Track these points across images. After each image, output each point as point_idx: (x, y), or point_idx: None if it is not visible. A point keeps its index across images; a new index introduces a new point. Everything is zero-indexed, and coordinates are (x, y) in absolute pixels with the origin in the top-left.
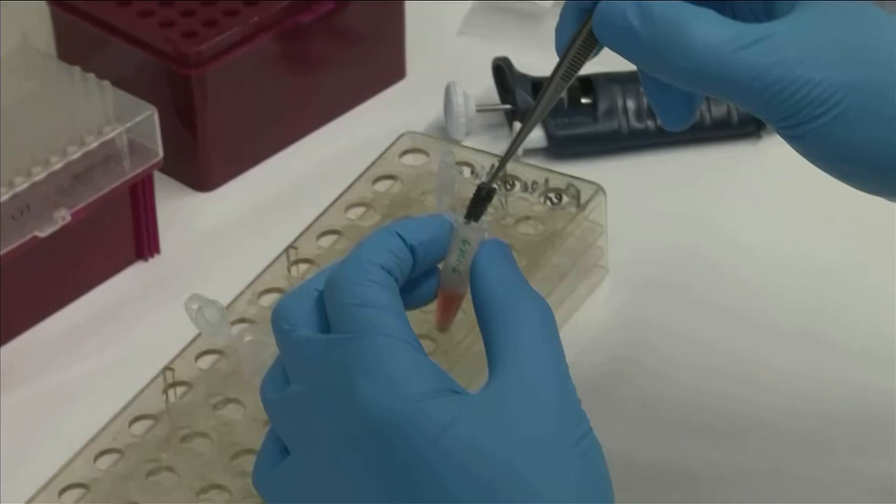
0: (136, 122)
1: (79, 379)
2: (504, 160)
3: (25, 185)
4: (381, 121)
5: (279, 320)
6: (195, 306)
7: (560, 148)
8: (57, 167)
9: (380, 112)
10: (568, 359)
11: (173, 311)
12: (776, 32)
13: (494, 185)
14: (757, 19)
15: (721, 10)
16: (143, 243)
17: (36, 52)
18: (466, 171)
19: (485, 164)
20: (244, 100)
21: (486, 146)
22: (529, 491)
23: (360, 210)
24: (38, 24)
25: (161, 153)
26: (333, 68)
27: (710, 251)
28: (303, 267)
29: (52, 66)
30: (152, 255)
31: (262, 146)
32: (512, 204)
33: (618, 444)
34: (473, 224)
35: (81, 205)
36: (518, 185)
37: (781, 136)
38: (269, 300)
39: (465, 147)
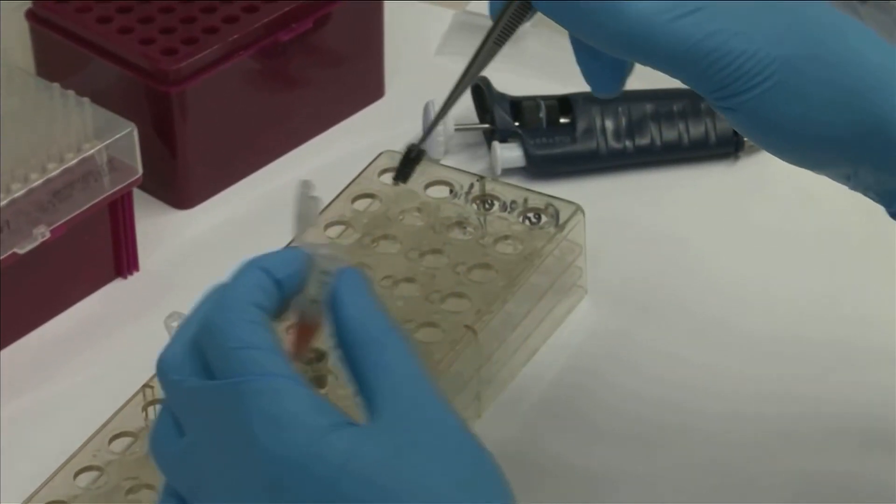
0: (116, 139)
1: (57, 396)
2: (434, 123)
3: (5, 202)
4: (359, 139)
5: (167, 372)
6: (174, 323)
7: (539, 167)
8: (36, 184)
9: (358, 131)
10: (547, 378)
11: (152, 329)
12: (711, 4)
13: (423, 148)
14: None
15: None
16: (123, 260)
17: (15, 69)
18: (445, 189)
19: (463, 184)
20: (223, 117)
21: (464, 165)
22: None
23: (339, 228)
24: (16, 40)
25: (140, 170)
26: (312, 87)
27: (688, 271)
28: None
29: (32, 82)
30: (131, 273)
31: (241, 164)
32: (490, 223)
33: (597, 462)
34: (330, 254)
35: (61, 221)
36: (497, 204)
37: (714, 107)
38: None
39: (444, 166)
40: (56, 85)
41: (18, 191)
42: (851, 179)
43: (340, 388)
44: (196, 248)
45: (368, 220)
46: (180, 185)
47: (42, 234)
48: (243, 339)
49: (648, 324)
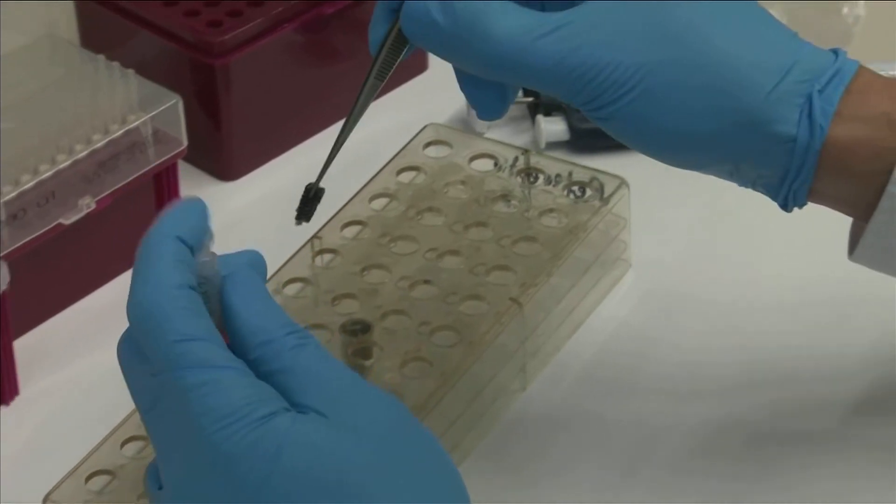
0: (161, 111)
1: (102, 366)
2: (328, 161)
3: (50, 173)
4: (404, 112)
5: (121, 362)
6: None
7: (583, 141)
8: (81, 155)
9: (403, 104)
10: (591, 351)
11: None
12: (574, 19)
13: (321, 186)
14: (564, 6)
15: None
16: None
17: (60, 41)
18: (490, 163)
19: (508, 157)
20: (267, 90)
21: (508, 138)
22: (376, 484)
23: (383, 201)
24: (62, 12)
25: (185, 142)
26: (356, 59)
27: (733, 244)
28: (327, 257)
29: (77, 54)
30: None
31: (285, 136)
32: (535, 196)
33: (641, 433)
34: (203, 261)
35: (106, 192)
36: (541, 177)
37: (590, 118)
38: (294, 290)
39: (488, 139)
40: (101, 57)
41: (64, 162)
42: (735, 176)
43: (386, 360)
44: (240, 220)
45: (413, 193)
46: (224, 157)
47: (87, 205)
48: (179, 332)
49: (692, 297)
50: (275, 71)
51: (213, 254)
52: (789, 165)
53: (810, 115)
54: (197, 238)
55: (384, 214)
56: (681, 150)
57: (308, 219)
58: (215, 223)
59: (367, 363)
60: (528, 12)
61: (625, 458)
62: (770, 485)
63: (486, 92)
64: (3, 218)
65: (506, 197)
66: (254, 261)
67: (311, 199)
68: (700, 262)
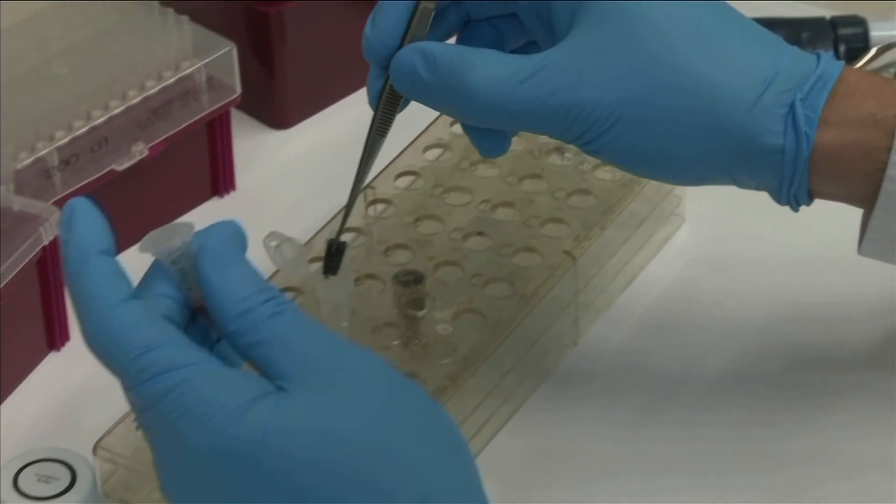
0: (215, 58)
1: None
2: (344, 218)
3: (103, 119)
4: None
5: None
6: (274, 243)
7: None
8: (134, 101)
9: None
10: (644, 305)
11: (249, 248)
12: (551, 62)
13: (343, 240)
14: (547, 39)
15: (511, 34)
16: (220, 179)
17: None
18: None
19: None
20: (322, 38)
21: None
22: (371, 462)
23: (437, 151)
24: None
25: (239, 90)
26: None
27: None
28: (380, 207)
29: (132, 1)
30: (228, 192)
31: (339, 85)
32: None
33: (693, 387)
34: (168, 245)
35: (159, 139)
36: None
37: (583, 151)
38: (346, 239)
39: None
40: (156, 3)
41: (117, 108)
42: (735, 184)
43: (438, 311)
44: (293, 169)
45: (467, 144)
46: (278, 105)
47: (140, 151)
48: (135, 347)
49: (746, 252)
50: (329, 19)
51: (191, 225)
52: (782, 174)
53: (794, 125)
54: (107, 239)
55: (438, 165)
56: (675, 172)
57: (335, 272)
58: (268, 171)
59: (420, 314)
60: (509, 59)
61: (678, 411)
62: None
63: (486, 133)
64: (56, 163)
65: (560, 149)
66: (232, 233)
67: (334, 253)
68: (754, 217)
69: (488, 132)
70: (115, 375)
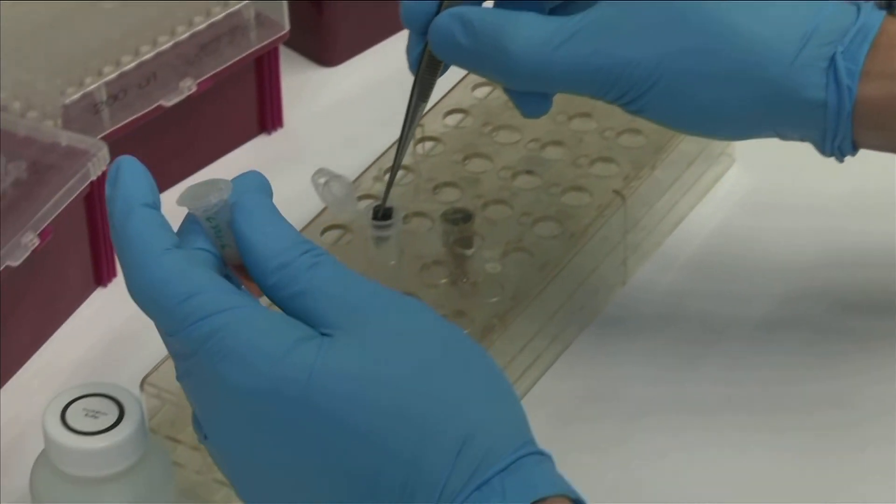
0: None
1: None
2: (389, 185)
3: (151, 54)
4: None
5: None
6: (322, 180)
7: None
8: (183, 37)
9: None
10: (693, 246)
11: (296, 185)
12: (590, 23)
13: (390, 206)
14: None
15: None
16: (267, 116)
17: None
18: None
19: None
20: None
21: None
22: (414, 401)
23: (486, 89)
24: None
25: (287, 26)
26: None
27: None
28: (428, 145)
29: None
30: (275, 129)
31: (387, 22)
32: None
33: (741, 328)
34: (205, 203)
35: (207, 75)
36: None
37: (625, 111)
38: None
39: None
40: None
41: (165, 43)
42: (779, 137)
43: (487, 249)
44: (341, 106)
45: None
46: (326, 43)
47: (188, 87)
48: (179, 294)
49: (795, 193)
50: None
51: (228, 183)
52: (825, 127)
53: (836, 78)
54: (152, 194)
55: (487, 103)
56: (717, 128)
57: (385, 239)
58: (315, 109)
59: (468, 252)
60: (547, 21)
61: (725, 353)
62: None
63: (527, 94)
64: (104, 98)
65: None
66: (259, 183)
67: (382, 216)
68: (804, 158)
69: (529, 94)
70: (158, 323)
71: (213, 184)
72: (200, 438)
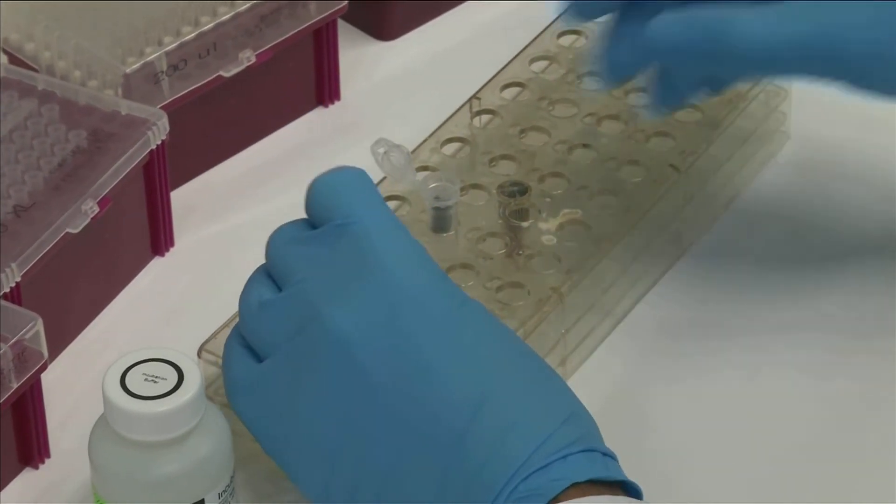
0: None
1: (258, 220)
2: None
3: (211, 25)
4: None
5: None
6: (382, 150)
7: None
8: (243, 8)
9: None
10: (748, 221)
11: (353, 157)
12: (806, 6)
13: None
14: None
15: None
16: (325, 89)
17: None
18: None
19: None
20: None
21: None
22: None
23: (543, 63)
24: None
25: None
26: None
27: None
28: (485, 118)
29: None
30: (333, 102)
31: None
32: None
33: (791, 306)
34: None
35: (266, 47)
36: None
37: (853, 89)
38: (452, 149)
39: None
40: None
41: (225, 14)
42: None
43: (543, 222)
44: (398, 80)
45: (574, 57)
46: (384, 16)
47: (248, 58)
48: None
49: (852, 168)
50: None
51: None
52: None
53: None
54: None
55: (543, 77)
56: None
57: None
58: (372, 82)
59: (524, 225)
60: (763, 10)
61: (784, 328)
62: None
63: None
64: (164, 68)
65: None
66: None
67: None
68: (860, 134)
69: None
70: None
71: None
72: (243, 361)
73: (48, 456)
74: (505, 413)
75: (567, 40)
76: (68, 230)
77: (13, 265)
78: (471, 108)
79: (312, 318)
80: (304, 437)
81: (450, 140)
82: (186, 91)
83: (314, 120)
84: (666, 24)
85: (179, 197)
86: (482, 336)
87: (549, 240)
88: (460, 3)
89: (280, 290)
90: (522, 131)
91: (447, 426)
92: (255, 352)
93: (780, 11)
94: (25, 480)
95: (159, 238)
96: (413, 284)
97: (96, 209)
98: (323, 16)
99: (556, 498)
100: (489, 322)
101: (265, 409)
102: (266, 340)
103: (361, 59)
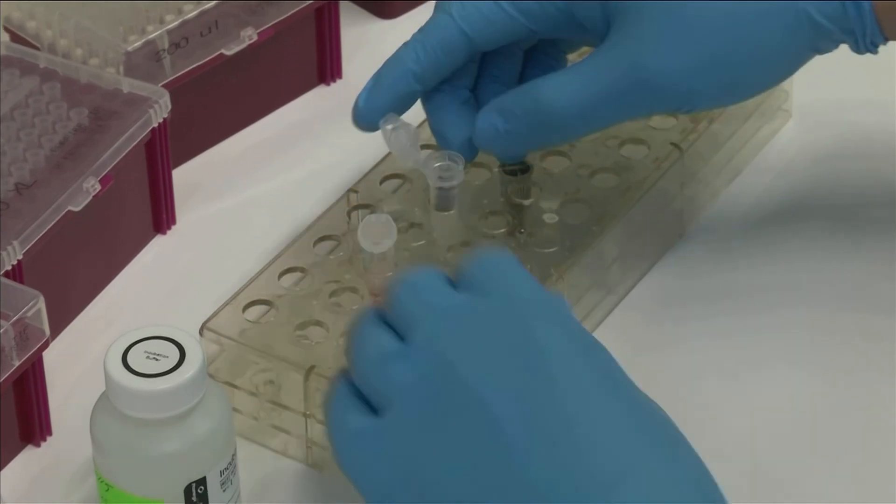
0: None
1: (260, 198)
2: None
3: (213, 3)
4: None
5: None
6: (390, 126)
7: None
8: None
9: None
10: (749, 199)
11: (354, 135)
12: (610, 57)
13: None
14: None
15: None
16: (326, 67)
17: None
18: None
19: None
20: None
21: None
22: None
23: None
24: None
25: None
26: None
27: None
28: None
29: None
30: (334, 80)
31: None
32: None
33: (793, 286)
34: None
35: (268, 25)
36: None
37: (685, 114)
38: None
39: None
40: None
41: None
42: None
43: (544, 200)
44: None
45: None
46: None
47: (249, 36)
48: None
49: (853, 147)
50: None
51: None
52: (854, 28)
53: None
54: None
55: None
56: (771, 82)
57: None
58: (374, 60)
59: (526, 203)
60: (567, 72)
61: (784, 307)
62: None
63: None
64: (166, 46)
65: None
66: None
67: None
68: (861, 114)
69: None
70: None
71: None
72: (356, 416)
73: (50, 434)
74: (647, 490)
75: None
76: (70, 208)
77: (15, 243)
78: None
79: (446, 374)
80: (425, 492)
81: None
82: (188, 69)
83: (316, 98)
84: (487, 121)
85: (181, 175)
86: (629, 405)
87: (550, 218)
88: None
89: (401, 338)
90: None
91: (585, 494)
92: (368, 403)
93: (588, 72)
94: (27, 458)
95: (161, 216)
96: (559, 350)
97: (98, 187)
98: None
99: None
100: (631, 391)
101: (382, 462)
102: (386, 393)
103: (363, 38)
